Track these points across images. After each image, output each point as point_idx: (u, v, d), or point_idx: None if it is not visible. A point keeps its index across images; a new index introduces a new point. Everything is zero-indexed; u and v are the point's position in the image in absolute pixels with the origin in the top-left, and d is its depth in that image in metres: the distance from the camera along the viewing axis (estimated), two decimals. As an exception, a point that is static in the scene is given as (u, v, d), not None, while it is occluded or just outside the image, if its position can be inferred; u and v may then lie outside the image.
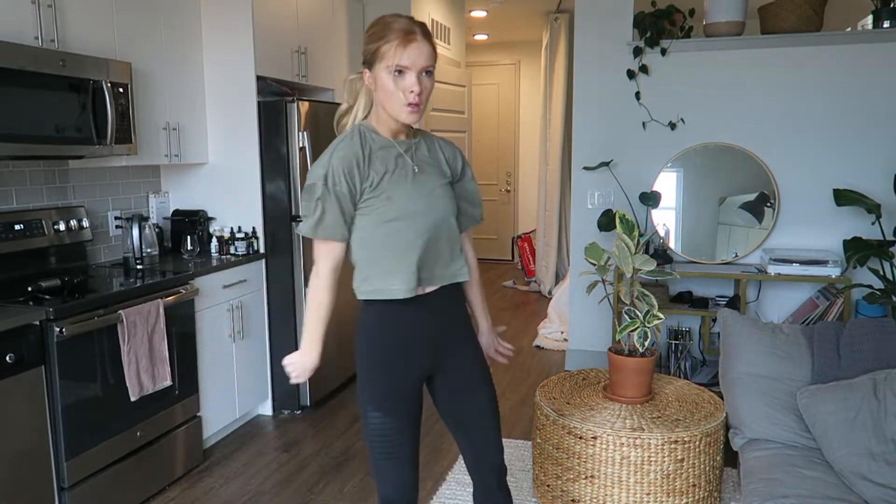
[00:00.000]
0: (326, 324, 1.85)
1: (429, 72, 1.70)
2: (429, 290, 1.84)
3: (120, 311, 2.75)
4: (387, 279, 1.78)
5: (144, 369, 2.87)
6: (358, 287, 1.83)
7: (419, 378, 1.89)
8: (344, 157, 1.72)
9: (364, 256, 1.80)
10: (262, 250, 3.79)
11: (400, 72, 1.67)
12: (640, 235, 2.81)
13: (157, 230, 3.64)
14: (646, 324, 2.69)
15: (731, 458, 2.84)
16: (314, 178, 1.73)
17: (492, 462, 1.99)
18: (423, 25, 1.73)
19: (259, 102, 3.72)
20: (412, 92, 1.67)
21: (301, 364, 1.85)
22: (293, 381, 1.87)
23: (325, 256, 1.79)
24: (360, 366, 1.86)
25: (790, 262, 3.75)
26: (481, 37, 8.15)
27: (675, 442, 2.53)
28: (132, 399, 2.82)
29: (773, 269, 3.76)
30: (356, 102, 1.84)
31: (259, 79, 3.73)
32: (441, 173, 1.87)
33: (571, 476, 2.65)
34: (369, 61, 1.73)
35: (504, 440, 3.54)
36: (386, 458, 1.85)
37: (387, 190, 1.75)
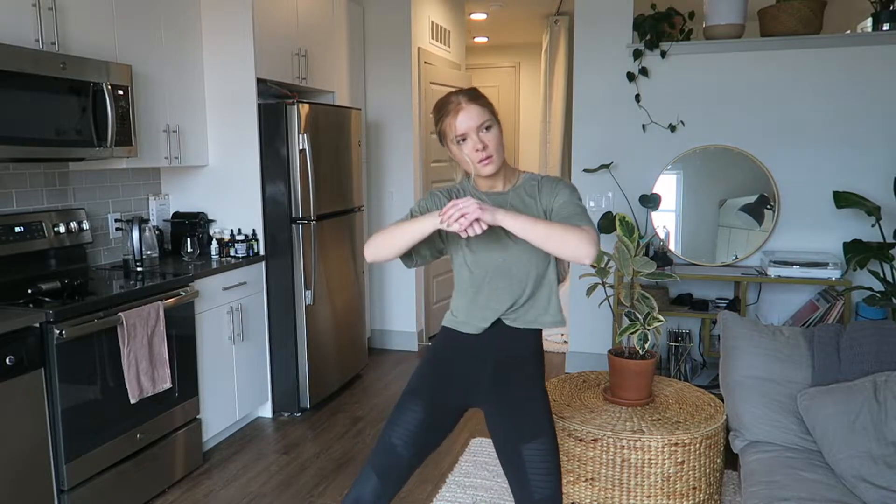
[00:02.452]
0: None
1: (487, 127, 1.85)
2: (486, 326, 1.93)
3: (120, 314, 2.75)
4: (456, 309, 1.98)
5: (144, 372, 2.87)
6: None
7: (454, 398, 1.98)
8: (438, 198, 1.95)
9: (456, 290, 2.00)
10: (262, 252, 3.79)
11: (462, 139, 1.85)
12: (640, 238, 2.81)
13: (157, 232, 3.64)
14: (646, 326, 2.69)
15: (731, 460, 2.84)
16: (412, 207, 1.98)
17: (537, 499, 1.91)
18: (471, 90, 1.89)
19: (259, 105, 3.73)
20: (477, 151, 1.84)
21: (457, 201, 1.70)
22: (469, 215, 1.67)
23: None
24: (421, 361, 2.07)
25: (790, 264, 3.75)
26: (481, 39, 8.16)
27: (676, 444, 2.53)
28: (132, 401, 2.82)
29: (773, 272, 3.76)
30: (458, 176, 2.03)
31: (259, 81, 3.73)
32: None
33: (572, 479, 2.65)
34: (442, 140, 1.93)
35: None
36: (387, 434, 1.96)
37: (464, 241, 1.89)
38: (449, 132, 1.86)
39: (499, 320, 1.93)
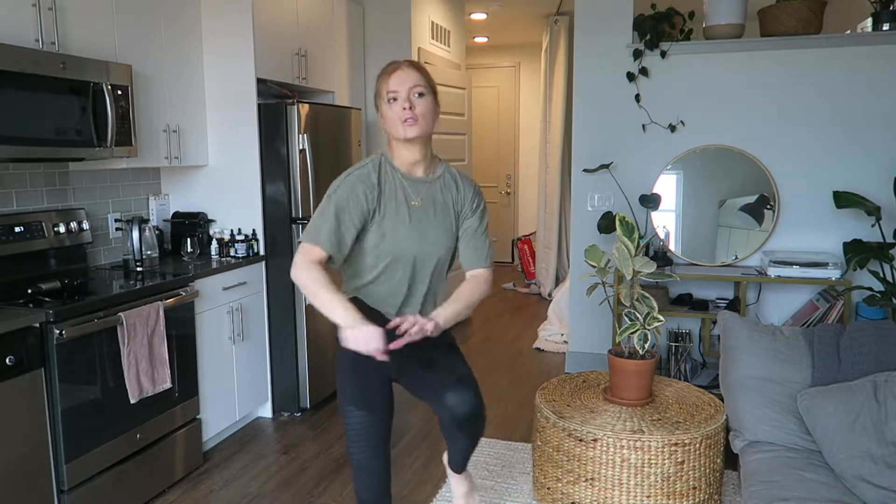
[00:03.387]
0: (336, 289, 1.87)
1: (420, 93, 1.89)
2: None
3: (120, 314, 2.75)
4: (360, 284, 2.01)
5: (144, 371, 2.87)
6: (346, 290, 2.07)
7: (385, 377, 2.06)
8: (360, 176, 1.93)
9: (352, 271, 2.01)
10: (262, 252, 3.79)
11: (393, 98, 1.89)
12: (640, 238, 2.81)
13: (157, 232, 3.64)
14: (646, 326, 2.69)
15: (731, 460, 2.84)
16: (329, 189, 1.94)
17: (454, 379, 2.03)
18: (412, 61, 1.96)
19: (259, 105, 3.73)
20: (404, 109, 1.87)
21: (359, 333, 1.77)
22: (368, 351, 1.77)
23: (304, 254, 1.91)
24: (338, 369, 2.08)
25: (790, 264, 3.75)
26: (481, 39, 8.16)
27: (676, 444, 2.53)
28: (132, 401, 2.82)
29: (773, 272, 3.76)
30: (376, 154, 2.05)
31: (259, 81, 3.73)
32: (446, 216, 2.00)
33: (571, 479, 2.65)
34: (377, 105, 1.96)
35: (504, 442, 3.56)
36: (360, 450, 2.04)
37: (382, 225, 1.93)
38: (382, 90, 1.90)
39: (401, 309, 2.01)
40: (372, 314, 1.96)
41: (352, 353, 1.89)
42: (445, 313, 1.89)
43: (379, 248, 1.95)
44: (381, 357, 1.76)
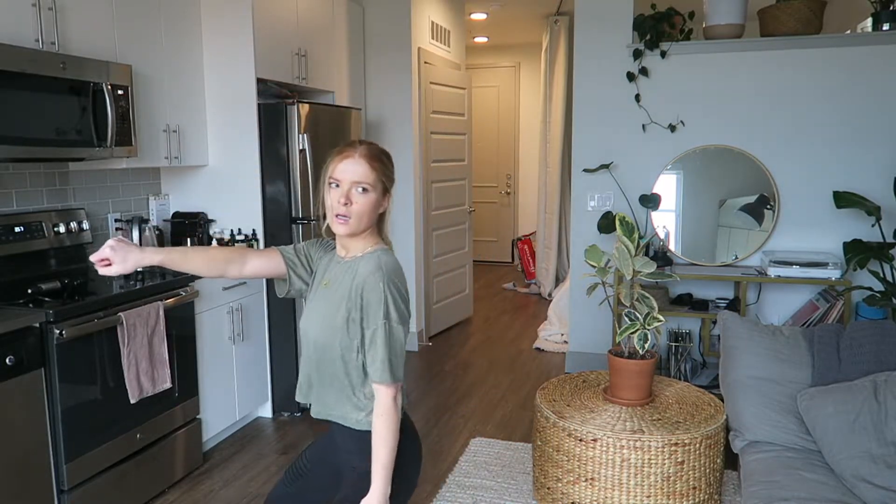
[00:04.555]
0: (192, 253, 1.83)
1: (364, 189, 1.70)
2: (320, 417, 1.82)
3: (120, 314, 2.75)
4: None
5: (144, 372, 2.87)
6: None
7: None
8: (311, 243, 1.92)
9: None
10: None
11: (336, 185, 1.72)
12: (640, 238, 2.81)
13: (157, 232, 3.64)
14: (646, 326, 2.69)
15: (731, 460, 2.84)
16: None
17: None
18: (371, 147, 1.76)
19: (259, 105, 3.73)
20: (339, 202, 1.70)
21: (126, 247, 1.72)
22: (100, 265, 1.72)
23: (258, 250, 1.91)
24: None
25: (790, 264, 3.75)
26: (481, 39, 8.16)
27: (676, 444, 2.53)
28: (132, 401, 2.82)
29: (773, 272, 3.76)
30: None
31: (259, 81, 3.73)
32: (334, 302, 1.75)
33: (571, 479, 2.65)
34: (322, 179, 1.79)
35: (504, 442, 3.56)
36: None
37: (305, 295, 1.87)
38: (328, 170, 1.75)
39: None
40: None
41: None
42: (383, 484, 1.66)
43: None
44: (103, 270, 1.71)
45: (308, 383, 1.82)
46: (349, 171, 1.71)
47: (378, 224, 1.80)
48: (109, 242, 1.72)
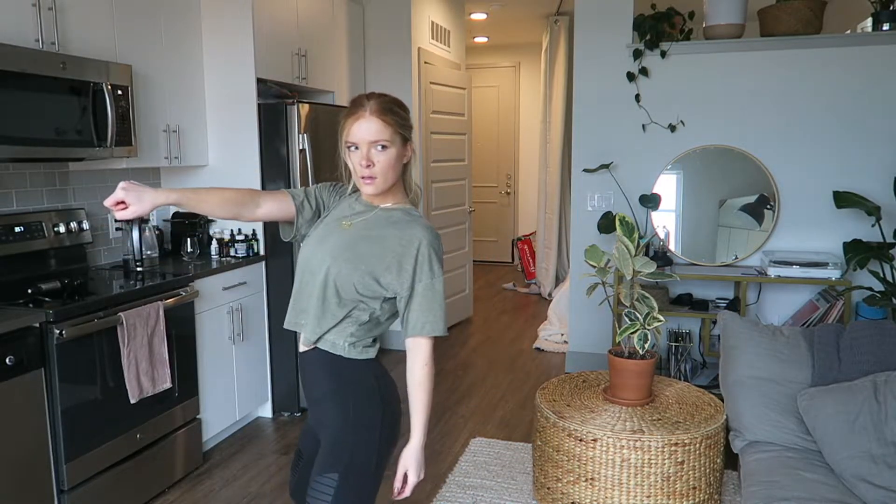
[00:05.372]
0: (205, 194, 1.79)
1: (383, 146, 1.71)
2: (310, 347, 1.80)
3: (120, 314, 2.75)
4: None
5: (144, 371, 2.87)
6: None
7: (311, 422, 1.91)
8: (330, 187, 1.92)
9: None
10: (262, 252, 3.79)
11: (354, 147, 1.73)
12: (640, 238, 2.81)
13: (157, 232, 3.64)
14: (646, 326, 2.69)
15: (731, 460, 2.84)
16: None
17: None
18: (386, 101, 1.74)
19: (259, 105, 3.73)
20: (361, 165, 1.72)
21: (138, 187, 1.70)
22: (116, 208, 1.70)
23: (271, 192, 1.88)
24: None
25: (790, 264, 3.75)
26: (481, 39, 8.16)
27: (676, 444, 2.53)
28: (132, 401, 2.82)
29: (773, 272, 3.76)
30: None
31: (259, 81, 3.73)
32: (365, 243, 1.75)
33: (571, 479, 2.65)
34: (339, 137, 1.79)
35: (504, 442, 3.56)
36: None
37: (314, 228, 1.85)
38: (343, 135, 1.75)
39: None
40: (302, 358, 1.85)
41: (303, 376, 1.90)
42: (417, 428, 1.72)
43: (302, 248, 1.84)
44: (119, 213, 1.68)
45: (301, 310, 1.78)
46: (363, 130, 1.70)
47: (402, 174, 1.80)
48: (121, 185, 1.68)
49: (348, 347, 1.75)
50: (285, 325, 1.84)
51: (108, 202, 1.68)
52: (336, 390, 1.77)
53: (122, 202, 1.68)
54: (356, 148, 1.72)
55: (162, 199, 1.71)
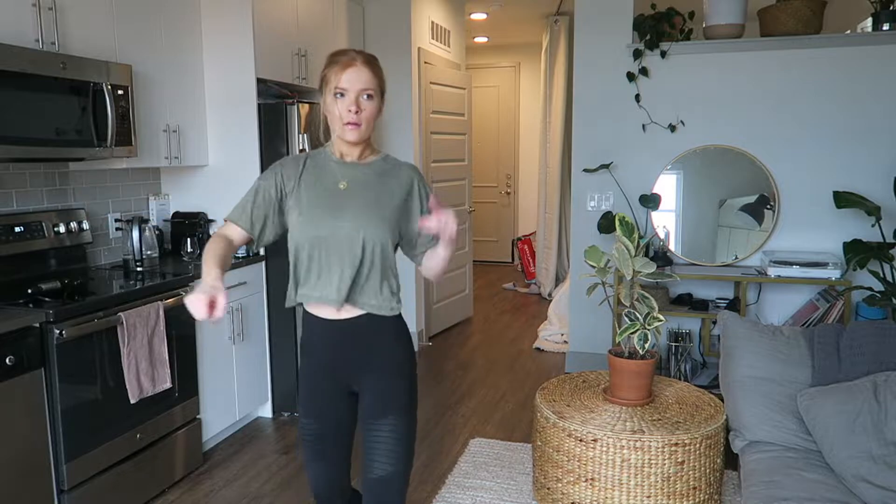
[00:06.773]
0: (222, 254, 1.85)
1: (369, 95, 1.82)
2: (344, 314, 1.86)
3: (120, 314, 2.75)
4: (297, 287, 1.90)
5: (144, 371, 2.87)
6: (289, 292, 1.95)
7: (337, 389, 1.95)
8: (285, 162, 1.96)
9: (293, 279, 1.92)
10: (261, 253, 3.78)
11: (341, 94, 1.81)
12: (640, 238, 2.81)
13: (157, 232, 3.64)
14: (646, 326, 2.69)
15: (731, 460, 2.84)
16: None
17: (371, 478, 1.92)
18: (369, 55, 1.87)
19: (259, 105, 3.73)
20: (349, 111, 1.80)
21: (201, 289, 1.69)
22: (197, 309, 1.67)
23: (219, 228, 1.97)
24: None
25: (790, 264, 3.75)
26: (481, 39, 8.16)
27: (676, 444, 2.53)
28: (132, 401, 2.82)
29: (773, 272, 3.76)
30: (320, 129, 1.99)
31: (259, 81, 3.73)
32: (378, 200, 1.87)
33: (571, 479, 2.65)
34: (321, 89, 1.89)
35: (504, 442, 3.56)
36: (309, 459, 2.00)
37: (301, 202, 1.87)
38: (331, 81, 1.82)
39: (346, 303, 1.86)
40: (313, 324, 1.91)
41: (307, 358, 1.95)
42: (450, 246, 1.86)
43: (299, 230, 1.85)
44: (211, 321, 1.68)
45: (343, 285, 1.83)
46: (354, 78, 1.81)
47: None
48: (201, 297, 1.66)
49: (387, 305, 1.87)
50: (298, 300, 1.89)
51: (201, 314, 1.66)
52: (383, 346, 1.89)
53: (209, 310, 1.67)
54: (343, 95, 1.81)
55: (218, 282, 1.75)
